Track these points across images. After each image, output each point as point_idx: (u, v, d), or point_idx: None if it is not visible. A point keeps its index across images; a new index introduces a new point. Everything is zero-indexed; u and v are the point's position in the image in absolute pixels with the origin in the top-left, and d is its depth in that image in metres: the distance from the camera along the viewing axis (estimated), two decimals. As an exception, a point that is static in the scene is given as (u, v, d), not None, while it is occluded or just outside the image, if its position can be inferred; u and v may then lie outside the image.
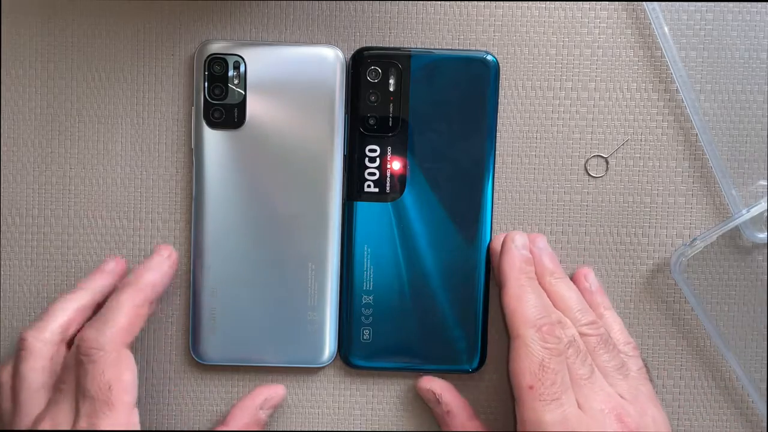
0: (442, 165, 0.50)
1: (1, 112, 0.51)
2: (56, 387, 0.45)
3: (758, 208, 0.49)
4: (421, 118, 0.50)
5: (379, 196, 0.50)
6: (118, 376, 0.43)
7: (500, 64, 0.50)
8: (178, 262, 0.50)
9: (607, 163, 0.51)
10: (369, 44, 0.50)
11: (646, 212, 0.51)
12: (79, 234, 0.51)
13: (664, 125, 0.51)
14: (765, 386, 0.51)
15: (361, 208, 0.50)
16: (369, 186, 0.50)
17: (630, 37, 0.50)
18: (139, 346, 0.51)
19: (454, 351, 0.51)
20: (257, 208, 0.50)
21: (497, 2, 0.50)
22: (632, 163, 0.51)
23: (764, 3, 0.50)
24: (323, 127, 0.49)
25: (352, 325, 0.51)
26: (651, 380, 0.48)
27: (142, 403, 0.51)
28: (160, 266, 0.48)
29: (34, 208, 0.51)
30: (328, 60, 0.49)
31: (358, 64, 0.49)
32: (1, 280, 0.51)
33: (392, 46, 0.50)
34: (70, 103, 0.51)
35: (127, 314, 0.45)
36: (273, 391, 0.50)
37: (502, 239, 0.49)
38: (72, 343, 0.46)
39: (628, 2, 0.50)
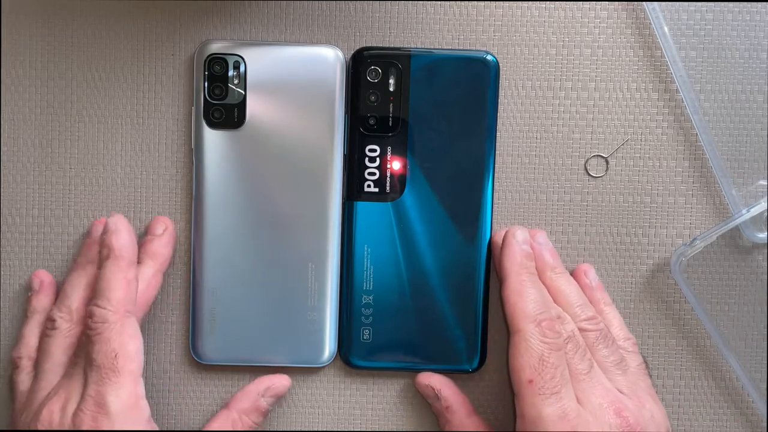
0: (442, 165, 0.50)
1: (1, 112, 0.51)
2: (72, 361, 0.47)
3: (758, 208, 0.49)
4: (421, 118, 0.50)
5: (379, 196, 0.50)
6: (123, 345, 0.45)
7: (500, 64, 0.50)
8: (162, 223, 0.50)
9: (607, 163, 0.51)
10: (369, 44, 0.50)
11: (646, 212, 0.51)
12: (79, 234, 0.51)
13: (664, 125, 0.51)
14: (765, 386, 0.51)
15: (361, 208, 0.50)
16: (369, 186, 0.50)
17: (630, 37, 0.50)
18: (139, 346, 0.51)
19: (454, 351, 0.51)
20: (257, 208, 0.50)
21: (497, 2, 0.50)
22: (632, 163, 0.51)
23: (764, 3, 0.50)
24: (323, 127, 0.49)
25: (352, 325, 0.51)
26: (650, 376, 0.49)
27: (142, 403, 0.51)
28: (126, 228, 0.48)
29: (34, 208, 0.51)
30: (328, 60, 0.49)
31: (358, 64, 0.49)
32: (1, 280, 0.51)
33: (392, 46, 0.50)
34: (70, 103, 0.51)
35: (120, 284, 0.46)
36: (276, 380, 0.50)
37: (503, 234, 0.49)
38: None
39: (628, 2, 0.50)
